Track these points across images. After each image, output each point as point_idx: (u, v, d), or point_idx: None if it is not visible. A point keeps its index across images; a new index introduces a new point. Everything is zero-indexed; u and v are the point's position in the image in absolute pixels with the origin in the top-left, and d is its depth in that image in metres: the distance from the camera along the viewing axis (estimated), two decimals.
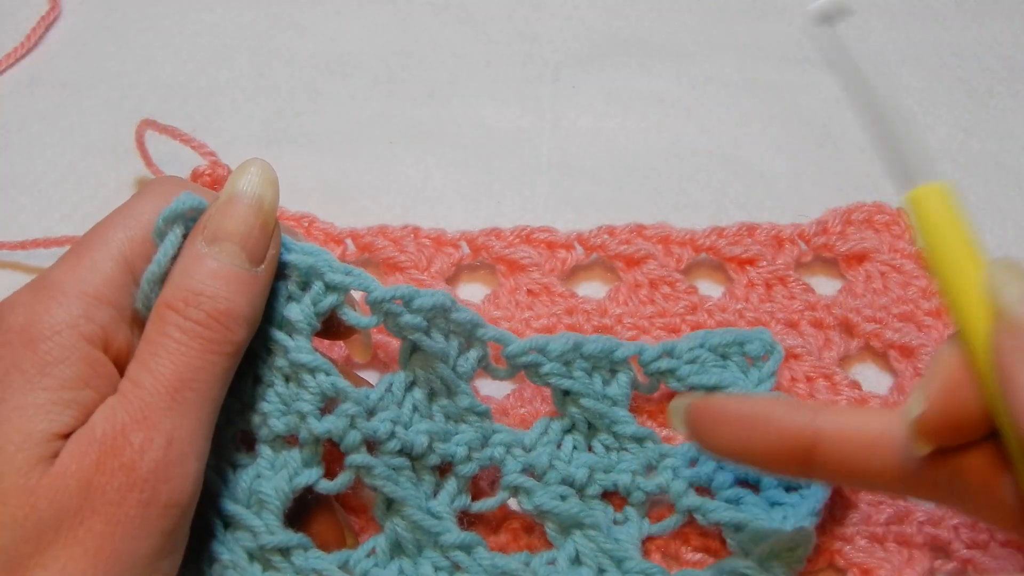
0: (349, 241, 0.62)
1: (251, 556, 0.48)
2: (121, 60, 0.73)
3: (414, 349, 0.52)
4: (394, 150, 0.68)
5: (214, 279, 0.45)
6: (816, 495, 0.50)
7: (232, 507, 0.48)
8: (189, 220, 0.47)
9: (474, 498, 0.53)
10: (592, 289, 0.62)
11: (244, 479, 0.49)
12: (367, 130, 0.69)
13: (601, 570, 0.49)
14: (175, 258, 0.46)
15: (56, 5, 0.74)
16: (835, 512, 0.53)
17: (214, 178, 0.61)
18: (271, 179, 0.48)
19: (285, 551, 0.48)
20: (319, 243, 0.61)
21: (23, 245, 0.62)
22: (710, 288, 0.62)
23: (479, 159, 0.68)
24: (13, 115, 0.70)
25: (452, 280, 0.62)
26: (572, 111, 0.70)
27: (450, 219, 0.65)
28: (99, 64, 0.72)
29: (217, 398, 0.45)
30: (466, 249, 0.62)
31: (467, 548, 0.49)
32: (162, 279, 0.46)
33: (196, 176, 0.61)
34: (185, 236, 0.46)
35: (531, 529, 0.54)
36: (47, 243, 0.62)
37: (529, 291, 0.60)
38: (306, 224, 0.62)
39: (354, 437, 0.49)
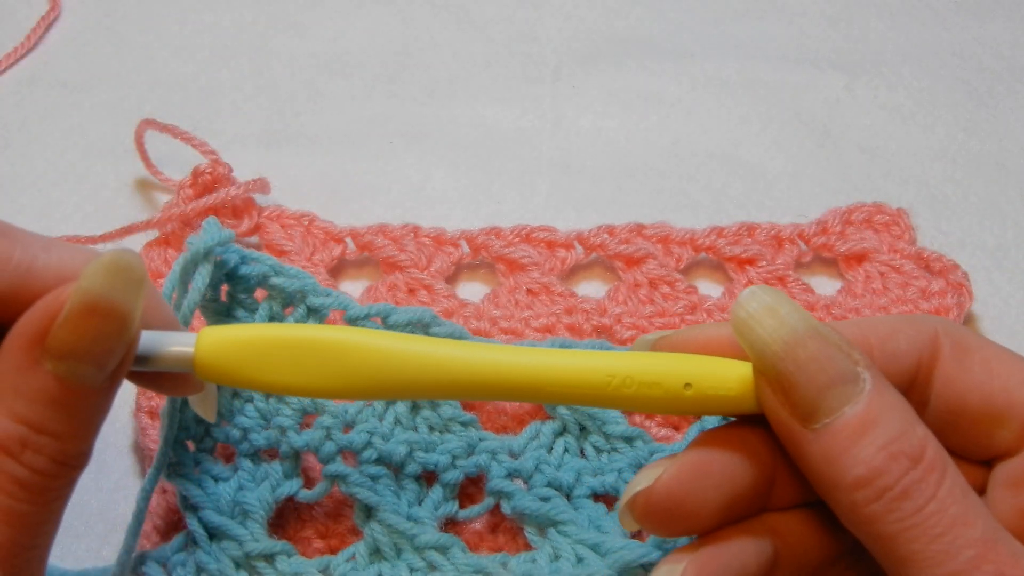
0: (349, 240, 0.62)
1: (237, 564, 0.50)
2: (121, 60, 0.73)
3: None
4: (394, 150, 0.68)
5: (59, 409, 0.35)
6: None
7: (218, 519, 0.50)
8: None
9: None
10: (592, 288, 0.62)
11: (226, 491, 0.51)
12: (367, 130, 0.69)
13: (579, 558, 0.50)
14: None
15: (56, 5, 0.74)
16: None
17: (215, 177, 0.61)
18: (122, 270, 0.35)
19: (270, 557, 0.50)
20: (319, 242, 0.62)
21: None
22: (710, 288, 0.62)
23: (479, 159, 0.68)
24: (13, 115, 0.70)
25: (452, 279, 0.62)
26: (572, 111, 0.71)
27: (450, 219, 0.65)
28: (99, 64, 0.72)
29: (56, 529, 0.37)
30: (466, 248, 0.62)
31: (442, 549, 0.50)
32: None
33: (197, 175, 0.61)
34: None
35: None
36: None
37: (529, 290, 0.60)
38: (306, 223, 0.62)
39: (330, 448, 0.52)
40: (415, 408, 0.54)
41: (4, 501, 0.35)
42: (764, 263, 0.61)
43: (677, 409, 0.39)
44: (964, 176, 0.67)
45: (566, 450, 0.54)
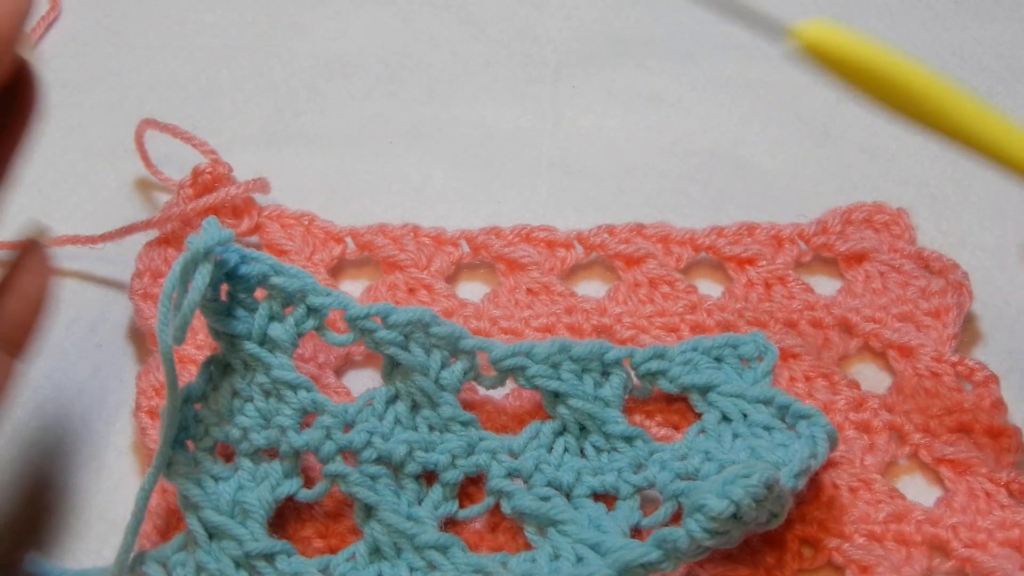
0: (349, 240, 0.62)
1: (237, 564, 0.50)
2: (121, 60, 0.73)
3: (395, 364, 0.54)
4: (394, 150, 0.68)
5: None
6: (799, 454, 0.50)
7: (217, 518, 0.50)
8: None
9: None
10: (592, 288, 0.62)
11: (226, 491, 0.51)
12: (367, 130, 0.69)
13: (579, 558, 0.50)
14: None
15: (56, 5, 0.74)
16: (833, 510, 0.53)
17: (215, 177, 0.61)
18: None
19: (269, 557, 0.50)
20: (319, 241, 0.62)
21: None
22: (710, 287, 0.62)
23: (479, 159, 0.68)
24: None
25: (452, 279, 0.62)
26: (572, 111, 0.71)
27: (450, 219, 0.65)
28: (99, 64, 0.72)
29: None
30: (466, 248, 0.62)
31: (442, 548, 0.50)
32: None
33: (197, 175, 0.61)
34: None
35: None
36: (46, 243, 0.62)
37: (529, 290, 0.60)
38: (306, 223, 0.62)
39: (329, 447, 0.52)
40: (415, 407, 0.54)
41: None
42: (764, 263, 0.61)
43: None
44: (964, 176, 0.67)
45: (566, 450, 0.54)
